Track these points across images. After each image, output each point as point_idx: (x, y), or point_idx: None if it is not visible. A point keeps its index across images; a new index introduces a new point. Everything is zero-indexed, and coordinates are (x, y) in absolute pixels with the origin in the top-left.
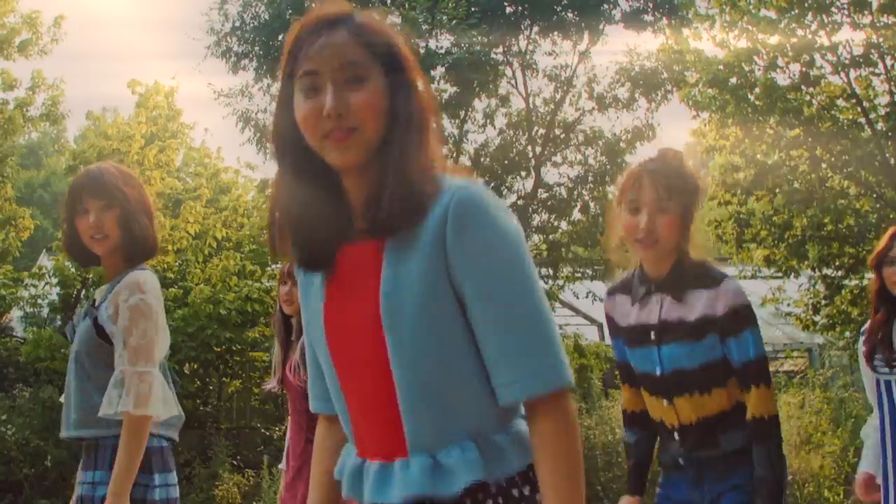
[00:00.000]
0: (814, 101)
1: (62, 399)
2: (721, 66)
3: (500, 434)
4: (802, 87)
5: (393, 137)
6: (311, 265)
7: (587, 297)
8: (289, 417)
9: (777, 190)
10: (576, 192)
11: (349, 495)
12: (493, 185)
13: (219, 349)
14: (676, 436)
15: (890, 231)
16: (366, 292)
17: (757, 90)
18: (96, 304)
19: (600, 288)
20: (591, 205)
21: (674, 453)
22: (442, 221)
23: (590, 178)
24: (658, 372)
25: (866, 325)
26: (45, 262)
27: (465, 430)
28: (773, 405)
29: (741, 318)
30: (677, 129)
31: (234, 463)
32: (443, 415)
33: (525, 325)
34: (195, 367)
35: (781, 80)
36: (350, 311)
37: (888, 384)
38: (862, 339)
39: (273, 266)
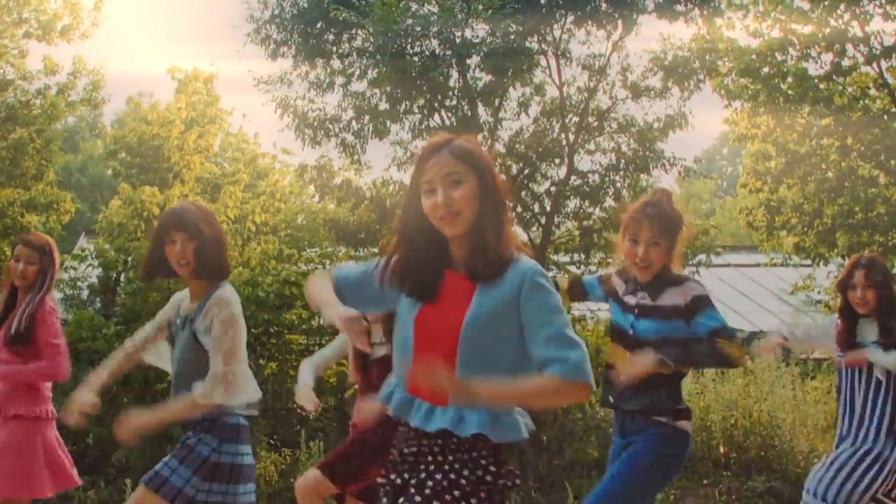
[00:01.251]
0: (845, 90)
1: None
2: (753, 56)
3: (506, 414)
4: (834, 76)
5: (483, 219)
6: (420, 294)
7: None
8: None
9: (809, 178)
10: (608, 180)
11: (397, 414)
12: (526, 171)
13: (257, 331)
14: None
15: (852, 259)
16: (457, 312)
17: (789, 80)
18: (191, 318)
19: None
20: (624, 192)
21: (611, 393)
22: (520, 283)
23: (622, 166)
24: (630, 332)
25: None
26: (85, 244)
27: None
28: (738, 351)
29: (701, 302)
30: (709, 117)
31: (272, 442)
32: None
33: (568, 340)
34: None
35: (813, 69)
36: (442, 318)
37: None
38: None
39: (309, 250)
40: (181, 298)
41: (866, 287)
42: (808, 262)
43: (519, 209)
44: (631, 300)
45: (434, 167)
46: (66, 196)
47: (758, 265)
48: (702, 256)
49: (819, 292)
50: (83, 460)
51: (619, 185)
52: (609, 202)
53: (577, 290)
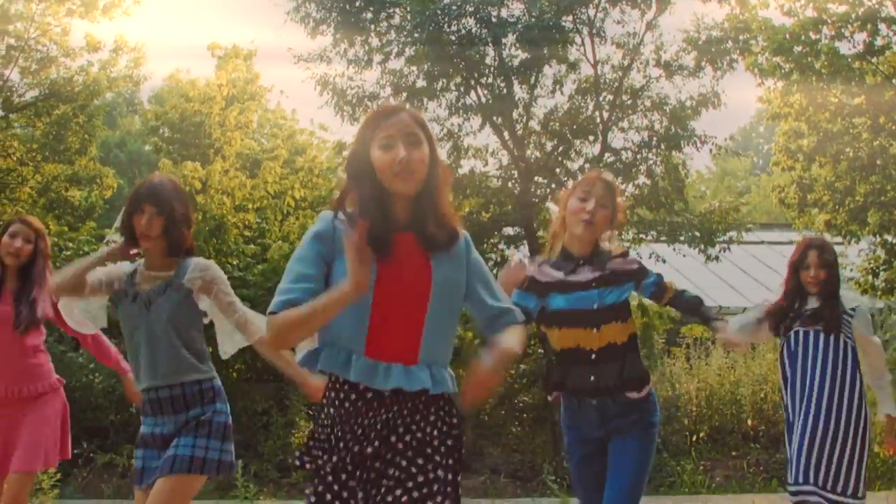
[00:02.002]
0: (878, 69)
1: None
2: (787, 35)
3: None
4: (867, 56)
5: (432, 183)
6: (377, 250)
7: (650, 257)
8: None
9: (841, 156)
10: (640, 157)
11: (361, 380)
12: (560, 148)
13: None
14: (594, 356)
15: (805, 241)
16: (419, 274)
17: (822, 58)
18: (171, 283)
19: (664, 250)
20: (656, 169)
21: (584, 374)
22: (465, 246)
23: (654, 143)
24: (595, 307)
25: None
26: None
27: (445, 362)
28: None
29: (644, 268)
30: (747, 94)
31: (310, 413)
32: (441, 350)
33: (500, 292)
34: None
35: (846, 49)
36: (405, 279)
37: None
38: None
39: None
40: (125, 271)
41: (819, 267)
42: (840, 239)
43: (553, 186)
44: (583, 277)
45: (396, 125)
46: (108, 171)
47: (791, 242)
48: (732, 233)
49: (851, 270)
50: (126, 429)
51: (651, 162)
52: (642, 179)
53: (529, 317)
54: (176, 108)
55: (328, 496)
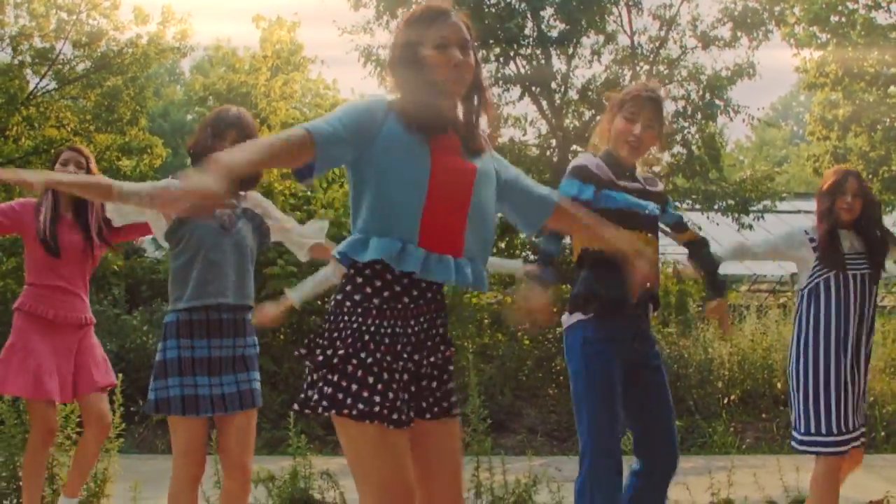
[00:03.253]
0: None
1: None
2: (823, 5)
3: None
4: None
5: (475, 88)
6: (428, 129)
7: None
8: None
9: (878, 126)
10: (677, 126)
11: (417, 270)
12: (598, 118)
13: None
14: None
15: (841, 169)
16: (463, 169)
17: (858, 28)
18: (245, 212)
19: (698, 218)
20: (692, 139)
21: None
22: (490, 153)
23: (689, 113)
24: (645, 213)
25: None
26: None
27: (484, 259)
28: None
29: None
30: (787, 63)
31: None
32: (481, 246)
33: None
34: None
35: (882, 18)
36: (452, 172)
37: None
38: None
39: None
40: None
41: (856, 195)
42: None
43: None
44: (630, 185)
45: (451, 28)
46: (157, 141)
47: None
48: (766, 202)
49: None
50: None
51: (686, 131)
52: (678, 148)
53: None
54: (223, 79)
55: (377, 395)
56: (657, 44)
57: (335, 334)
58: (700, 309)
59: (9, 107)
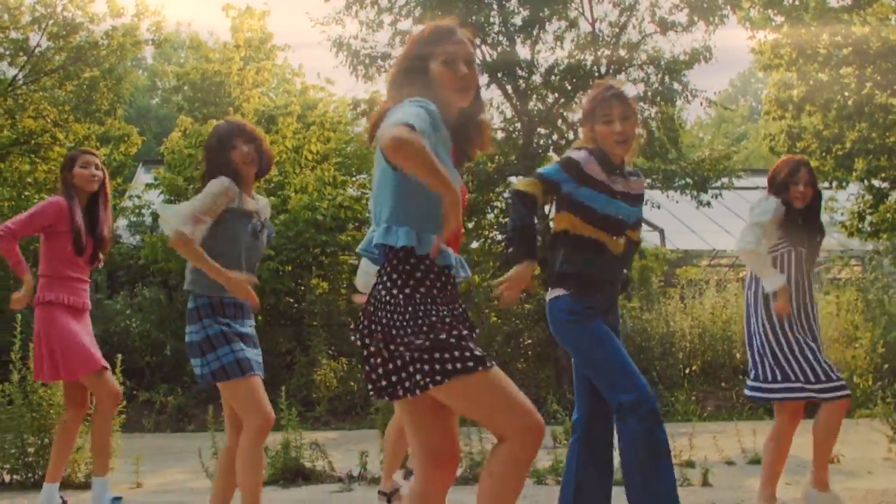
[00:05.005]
0: (866, 21)
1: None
2: None
3: None
4: (855, 8)
5: (476, 103)
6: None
7: (646, 203)
8: None
9: (832, 104)
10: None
11: (448, 265)
12: (562, 101)
13: (315, 251)
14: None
15: (795, 158)
16: (458, 175)
17: (811, 11)
18: (262, 216)
19: (658, 196)
20: (651, 120)
21: (614, 271)
22: None
23: (649, 96)
24: (625, 221)
25: None
26: (141, 174)
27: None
28: None
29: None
30: (742, 39)
31: (330, 353)
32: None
33: None
34: (289, 268)
35: (833, 2)
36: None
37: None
38: None
39: (359, 176)
40: (235, 192)
41: (808, 185)
42: (828, 185)
43: (555, 137)
44: (617, 187)
45: (459, 45)
46: (133, 130)
47: None
48: (724, 179)
49: (841, 214)
50: (161, 369)
51: (646, 114)
52: (638, 130)
53: (552, 188)
54: (197, 69)
55: (475, 352)
56: (617, 29)
57: (420, 321)
58: (662, 284)
59: None
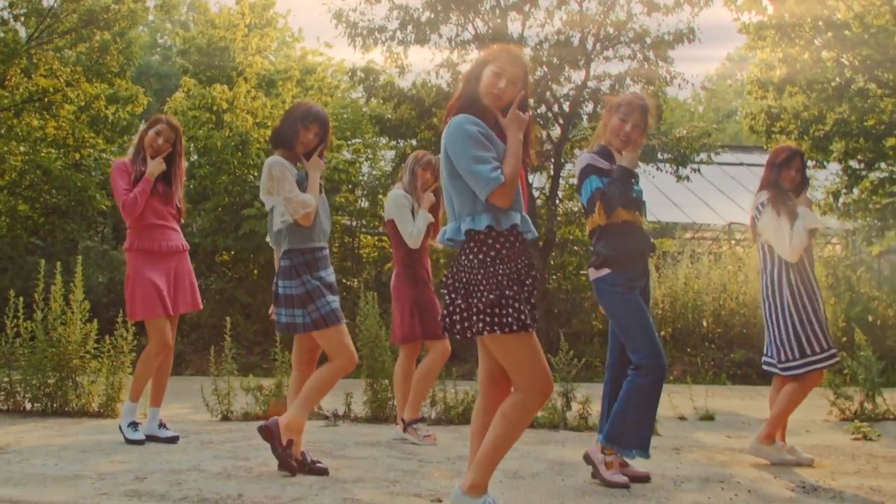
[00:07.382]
0: (851, 7)
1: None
2: None
3: None
4: None
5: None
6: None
7: None
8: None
9: (815, 85)
10: (618, 86)
11: (530, 230)
12: (551, 76)
13: None
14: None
15: (790, 147)
16: None
17: None
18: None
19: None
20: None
21: (644, 246)
22: None
23: (631, 79)
24: (639, 196)
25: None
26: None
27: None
28: None
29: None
30: (718, 21)
31: None
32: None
33: None
34: None
35: None
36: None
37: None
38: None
39: (353, 140)
40: (289, 167)
41: (798, 171)
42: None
43: (542, 109)
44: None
45: (511, 62)
46: (139, 91)
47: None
48: (703, 155)
49: (820, 192)
50: (196, 330)
51: (631, 89)
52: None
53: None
54: (203, 34)
55: (523, 315)
56: (605, 8)
57: (491, 279)
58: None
59: (7, 59)
